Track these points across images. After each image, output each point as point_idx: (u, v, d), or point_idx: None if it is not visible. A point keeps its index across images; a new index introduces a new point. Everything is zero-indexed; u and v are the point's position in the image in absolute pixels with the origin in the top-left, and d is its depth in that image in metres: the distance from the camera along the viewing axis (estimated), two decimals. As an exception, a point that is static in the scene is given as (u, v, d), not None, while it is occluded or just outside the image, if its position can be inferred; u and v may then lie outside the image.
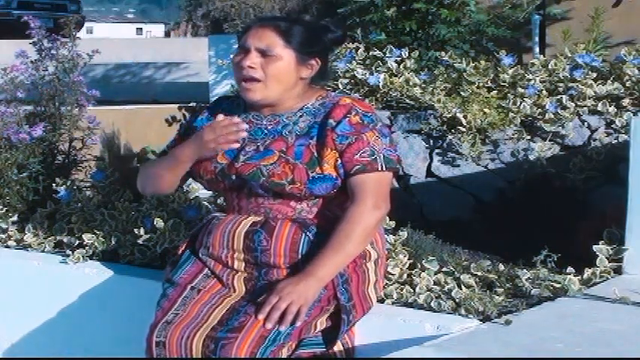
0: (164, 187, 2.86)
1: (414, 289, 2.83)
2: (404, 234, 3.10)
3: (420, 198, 3.88)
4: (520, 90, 3.95)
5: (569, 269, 2.88)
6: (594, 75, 3.94)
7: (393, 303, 2.80)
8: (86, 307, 3.32)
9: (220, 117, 2.65)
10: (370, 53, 4.42)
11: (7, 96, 4.16)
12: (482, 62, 4.13)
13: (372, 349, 2.63)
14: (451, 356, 2.19)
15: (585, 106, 3.80)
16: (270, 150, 2.61)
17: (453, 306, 2.71)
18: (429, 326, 2.60)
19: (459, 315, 2.67)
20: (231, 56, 2.77)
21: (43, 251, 3.58)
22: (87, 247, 3.43)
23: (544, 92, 3.91)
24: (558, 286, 2.77)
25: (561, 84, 3.96)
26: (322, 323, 2.53)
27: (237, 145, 2.60)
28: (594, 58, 4.00)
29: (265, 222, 2.61)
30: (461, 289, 2.78)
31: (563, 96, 3.84)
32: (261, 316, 2.43)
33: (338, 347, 2.59)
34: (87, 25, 24.27)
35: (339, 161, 2.56)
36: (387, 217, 2.86)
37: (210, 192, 3.34)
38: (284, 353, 2.46)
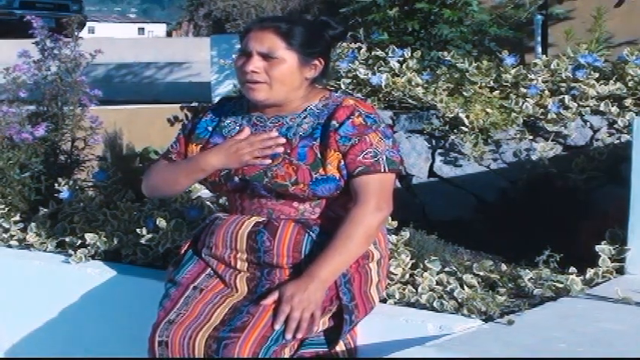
0: (178, 192, 3.03)
1: (417, 289, 2.83)
2: (406, 234, 3.10)
3: (423, 198, 3.88)
4: (522, 90, 3.95)
5: (572, 269, 2.88)
6: (596, 75, 3.94)
7: (395, 303, 2.80)
8: (88, 306, 3.32)
9: (247, 131, 2.65)
10: (372, 53, 4.42)
11: (9, 96, 4.16)
12: (485, 62, 4.13)
13: (374, 348, 2.63)
14: (453, 356, 2.19)
15: (587, 106, 3.80)
16: (274, 152, 2.60)
17: (456, 306, 2.71)
18: (432, 326, 2.60)
19: (462, 315, 2.67)
20: (234, 56, 2.77)
21: (45, 251, 3.58)
22: (89, 247, 3.43)
23: (546, 92, 3.91)
24: (561, 286, 2.77)
25: (564, 84, 3.96)
26: (324, 323, 2.53)
27: (269, 161, 2.60)
28: (596, 58, 4.00)
29: (268, 222, 2.61)
30: (463, 289, 2.78)
31: (566, 96, 3.84)
32: (277, 327, 2.43)
33: (340, 347, 2.59)
34: (89, 24, 24.29)
35: (342, 162, 2.56)
36: (390, 217, 2.86)
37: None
38: (286, 353, 2.46)
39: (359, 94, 4.16)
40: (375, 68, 4.30)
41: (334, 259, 2.49)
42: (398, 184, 3.74)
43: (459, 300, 2.72)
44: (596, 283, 2.84)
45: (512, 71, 4.07)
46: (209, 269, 2.66)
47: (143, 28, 59.06)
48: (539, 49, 5.62)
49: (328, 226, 2.57)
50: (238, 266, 2.62)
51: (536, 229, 3.34)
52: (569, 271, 2.87)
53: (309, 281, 2.47)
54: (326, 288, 2.49)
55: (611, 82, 3.89)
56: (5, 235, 3.74)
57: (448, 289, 2.81)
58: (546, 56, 4.55)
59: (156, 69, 9.17)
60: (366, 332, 2.65)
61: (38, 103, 4.27)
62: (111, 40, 14.89)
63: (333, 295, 2.52)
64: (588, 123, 3.77)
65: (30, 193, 3.95)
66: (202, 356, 2.42)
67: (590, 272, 2.86)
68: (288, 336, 2.44)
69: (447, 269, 2.97)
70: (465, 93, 3.99)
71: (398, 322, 2.66)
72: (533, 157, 3.69)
